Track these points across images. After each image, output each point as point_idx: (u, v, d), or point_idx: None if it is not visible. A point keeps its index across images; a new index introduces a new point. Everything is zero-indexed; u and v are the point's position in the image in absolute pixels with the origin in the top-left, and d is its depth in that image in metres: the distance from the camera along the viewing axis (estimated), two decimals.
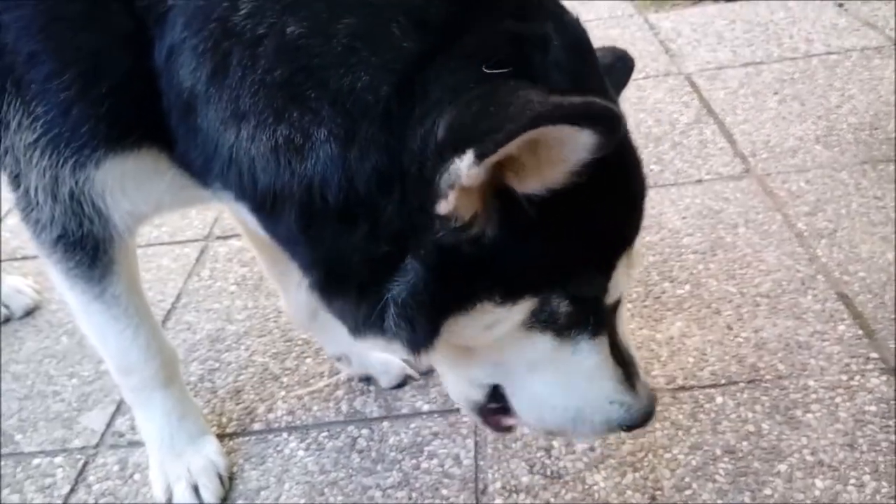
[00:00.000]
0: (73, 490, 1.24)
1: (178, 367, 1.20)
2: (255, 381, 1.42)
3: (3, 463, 1.32)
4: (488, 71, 0.68)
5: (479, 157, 0.63)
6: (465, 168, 0.64)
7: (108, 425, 1.37)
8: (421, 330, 0.77)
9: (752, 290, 1.46)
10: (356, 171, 0.72)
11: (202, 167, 0.83)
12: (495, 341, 0.82)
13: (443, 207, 0.69)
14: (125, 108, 0.84)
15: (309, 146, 0.73)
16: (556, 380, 0.87)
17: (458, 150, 0.64)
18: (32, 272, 1.79)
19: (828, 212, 1.64)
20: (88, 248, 0.95)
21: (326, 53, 0.72)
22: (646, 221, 1.72)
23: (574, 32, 0.78)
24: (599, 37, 0.94)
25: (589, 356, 0.86)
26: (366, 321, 0.79)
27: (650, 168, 1.85)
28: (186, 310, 1.65)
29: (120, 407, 1.39)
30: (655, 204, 1.75)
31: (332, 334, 1.33)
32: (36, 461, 1.31)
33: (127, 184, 0.91)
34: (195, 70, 0.78)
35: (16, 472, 1.29)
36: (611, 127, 0.63)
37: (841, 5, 2.71)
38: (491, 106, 0.65)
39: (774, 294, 1.44)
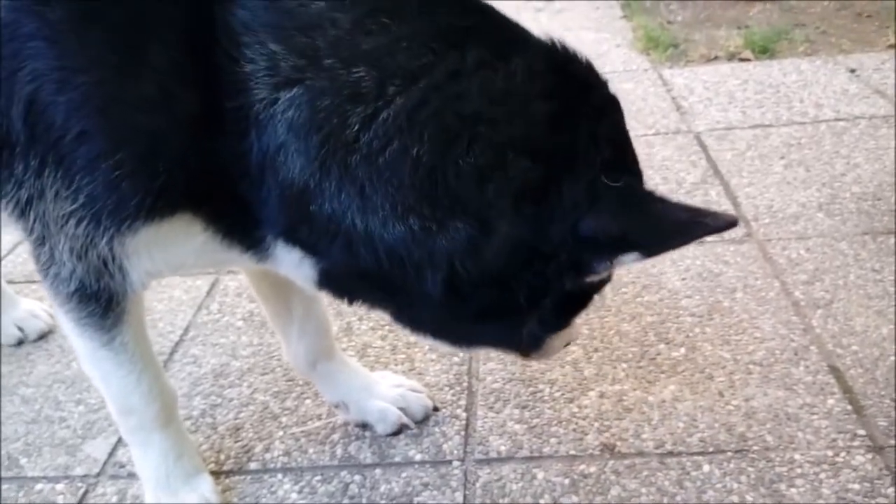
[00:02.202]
0: None
1: (177, 407, 1.24)
2: (255, 420, 1.45)
3: (5, 486, 1.36)
4: (610, 184, 0.89)
5: (647, 256, 0.91)
6: (630, 260, 0.91)
7: (110, 455, 1.41)
8: (539, 345, 1.05)
9: (746, 357, 1.48)
10: (498, 253, 0.90)
11: (315, 243, 0.95)
12: None
13: (594, 278, 0.96)
14: (177, 184, 0.90)
15: (445, 230, 0.90)
16: None
17: (623, 250, 0.90)
18: (48, 296, 1.84)
19: (825, 282, 1.67)
20: (103, 300, 0.99)
21: (454, 171, 0.88)
22: (645, 280, 1.77)
23: (605, 91, 0.98)
24: (612, 90, 1.02)
25: None
26: (490, 342, 1.08)
27: None
28: (194, 343, 1.70)
29: (122, 437, 1.42)
30: (656, 263, 1.79)
31: (331, 382, 1.37)
32: (38, 486, 1.35)
33: (154, 248, 0.96)
34: (305, 168, 0.89)
35: (18, 497, 1.33)
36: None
37: (853, 71, 2.76)
38: (647, 219, 0.90)
39: (767, 363, 1.46)
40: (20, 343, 1.74)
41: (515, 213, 0.89)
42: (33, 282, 1.95)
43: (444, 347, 1.14)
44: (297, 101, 0.87)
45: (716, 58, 3.06)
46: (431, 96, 0.87)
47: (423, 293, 0.94)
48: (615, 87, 1.01)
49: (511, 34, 0.95)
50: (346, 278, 0.99)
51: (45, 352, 1.72)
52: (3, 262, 2.07)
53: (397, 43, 0.88)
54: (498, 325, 1.00)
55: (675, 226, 0.89)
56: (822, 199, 1.98)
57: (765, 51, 3.02)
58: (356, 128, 0.87)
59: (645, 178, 1.00)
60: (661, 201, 0.91)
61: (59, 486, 1.35)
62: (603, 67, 1.02)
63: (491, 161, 0.88)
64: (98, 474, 1.37)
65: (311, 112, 0.87)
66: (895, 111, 2.41)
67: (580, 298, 1.02)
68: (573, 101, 0.92)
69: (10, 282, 1.89)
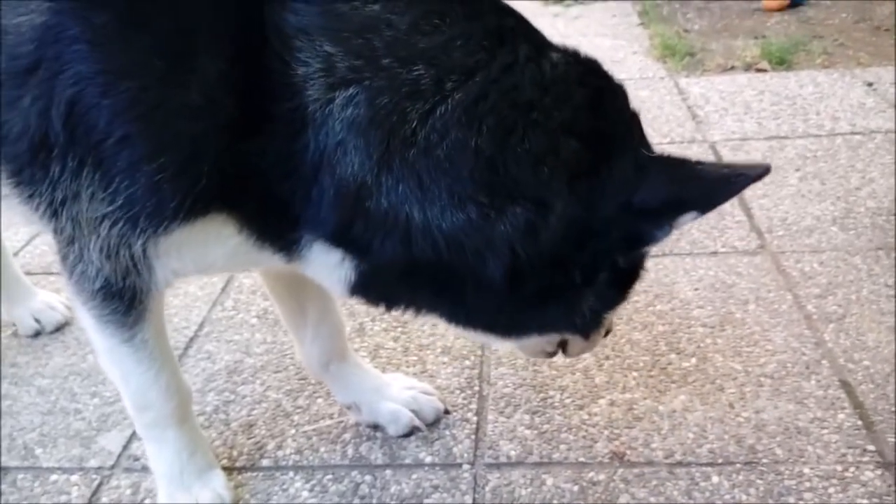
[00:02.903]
0: None
1: (192, 404, 1.25)
2: (268, 417, 1.47)
3: (21, 476, 1.38)
4: (650, 155, 0.98)
5: (702, 213, 0.95)
6: (688, 220, 0.96)
7: (125, 448, 1.42)
8: (600, 321, 1.08)
9: (757, 369, 1.49)
10: (554, 233, 0.94)
11: (369, 239, 0.96)
12: None
13: (650, 247, 1.01)
14: (216, 186, 0.91)
15: (504, 216, 0.93)
16: None
17: (682, 211, 0.94)
18: (65, 288, 1.87)
19: (838, 296, 1.67)
20: (126, 297, 1.00)
21: (513, 158, 0.92)
22: (658, 290, 1.78)
23: (614, 79, 1.05)
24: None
25: None
26: (548, 327, 1.08)
27: None
28: (208, 339, 1.72)
29: (137, 431, 1.44)
30: (669, 272, 1.80)
31: (344, 383, 1.38)
32: (53, 477, 1.37)
33: (184, 248, 0.98)
34: (364, 164, 0.91)
35: (33, 487, 1.35)
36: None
37: (870, 85, 2.75)
38: (696, 180, 0.95)
39: (778, 376, 1.47)
40: (37, 334, 1.76)
41: (569, 192, 0.93)
42: (51, 273, 1.97)
43: (494, 342, 1.19)
44: (355, 99, 0.89)
45: (732, 68, 3.06)
46: (489, 89, 0.91)
47: (483, 280, 0.96)
48: (630, 94, 1.04)
49: (539, 33, 1.01)
50: (392, 278, 1.00)
51: (62, 344, 1.74)
52: (21, 254, 2.10)
53: (452, 42, 0.92)
54: (556, 306, 1.03)
55: (722, 181, 0.94)
56: (836, 213, 1.98)
57: (782, 62, 3.02)
58: (414, 123, 0.90)
59: None
60: (700, 163, 0.97)
61: (74, 478, 1.37)
62: (619, 74, 1.05)
63: (544, 145, 0.92)
64: (112, 467, 1.38)
65: (371, 110, 0.89)
66: None
67: (632, 271, 1.06)
68: (600, 87, 0.99)
69: (28, 273, 1.91)
